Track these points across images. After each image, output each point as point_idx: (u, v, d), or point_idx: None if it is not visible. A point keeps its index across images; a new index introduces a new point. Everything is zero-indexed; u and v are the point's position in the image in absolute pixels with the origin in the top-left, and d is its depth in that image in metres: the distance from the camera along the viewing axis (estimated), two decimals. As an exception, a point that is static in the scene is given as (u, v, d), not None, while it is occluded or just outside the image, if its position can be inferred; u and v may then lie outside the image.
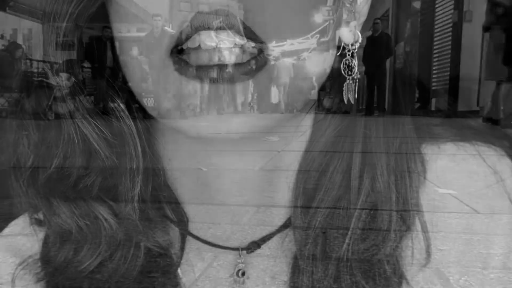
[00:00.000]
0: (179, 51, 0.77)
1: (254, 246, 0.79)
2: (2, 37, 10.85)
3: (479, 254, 0.77)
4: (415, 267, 0.71)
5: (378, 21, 8.25)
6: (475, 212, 1.05)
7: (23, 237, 0.85)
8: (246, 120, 0.75)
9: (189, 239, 0.84)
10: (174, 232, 0.85)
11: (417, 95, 8.67)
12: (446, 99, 6.60)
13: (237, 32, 0.79)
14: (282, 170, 1.68)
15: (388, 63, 8.39)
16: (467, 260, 0.74)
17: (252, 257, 0.75)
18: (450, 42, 6.63)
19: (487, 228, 0.93)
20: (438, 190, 1.28)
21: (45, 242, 0.78)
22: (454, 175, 1.55)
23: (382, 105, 8.45)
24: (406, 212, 0.99)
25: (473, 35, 5.24)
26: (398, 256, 0.74)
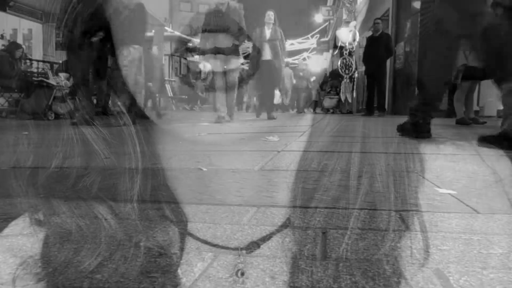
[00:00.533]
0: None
1: (254, 246, 0.80)
2: (2, 37, 10.85)
3: (479, 254, 0.77)
4: (414, 267, 0.71)
5: (379, 21, 8.21)
6: (475, 212, 1.06)
7: (23, 237, 0.85)
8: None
9: (189, 239, 0.84)
10: (174, 232, 0.85)
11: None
12: (446, 99, 6.60)
13: (234, 33, 0.79)
14: (282, 170, 1.68)
15: (388, 63, 8.36)
16: (467, 260, 0.74)
17: (252, 257, 0.75)
18: (450, 42, 6.63)
19: (487, 228, 0.94)
20: (438, 190, 1.28)
21: (45, 242, 0.78)
22: (454, 175, 1.56)
23: (382, 105, 8.36)
24: (405, 212, 0.99)
25: (473, 35, 5.28)
26: (397, 256, 0.74)
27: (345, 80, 7.92)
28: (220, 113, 5.66)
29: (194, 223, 0.96)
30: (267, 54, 7.06)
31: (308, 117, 7.73)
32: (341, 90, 8.10)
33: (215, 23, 5.46)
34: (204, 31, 5.71)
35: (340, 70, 8.11)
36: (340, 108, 9.42)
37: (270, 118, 6.73)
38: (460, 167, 1.71)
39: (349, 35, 8.49)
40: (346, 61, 7.82)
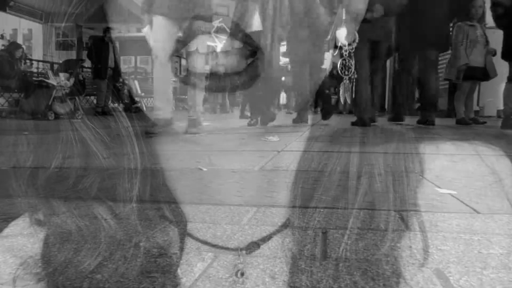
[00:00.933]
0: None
1: (254, 246, 0.79)
2: (2, 37, 10.85)
3: (479, 254, 0.77)
4: (414, 267, 0.71)
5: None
6: (475, 212, 1.06)
7: (23, 238, 0.85)
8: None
9: (189, 239, 0.84)
10: (174, 232, 0.85)
11: (417, 95, 8.64)
12: (446, 99, 6.60)
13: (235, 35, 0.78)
14: (282, 170, 1.68)
15: (388, 63, 8.35)
16: (467, 260, 0.74)
17: (252, 257, 0.75)
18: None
19: (487, 228, 0.94)
20: (438, 190, 1.28)
21: (45, 243, 0.78)
22: (454, 175, 1.56)
23: (382, 106, 8.33)
24: (405, 212, 0.99)
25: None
26: (397, 256, 0.74)
27: (344, 81, 7.89)
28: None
29: (194, 223, 0.96)
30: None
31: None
32: (341, 91, 8.06)
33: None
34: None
35: (339, 71, 8.08)
36: (339, 108, 9.43)
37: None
38: (460, 167, 1.71)
39: (348, 35, 8.48)
40: (346, 62, 7.76)
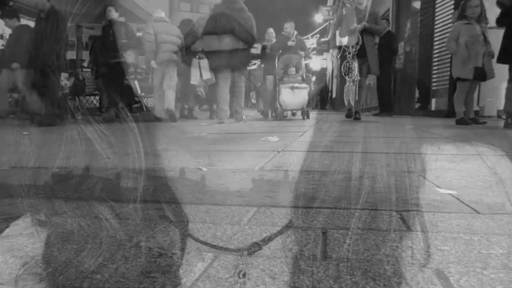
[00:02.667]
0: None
1: (255, 247, 0.80)
2: (2, 37, 10.83)
3: (479, 254, 0.77)
4: (415, 267, 0.71)
5: (384, 20, 8.14)
6: (475, 212, 1.06)
7: (23, 238, 0.85)
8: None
9: (190, 239, 0.84)
10: (174, 232, 0.85)
11: (417, 95, 8.60)
12: (446, 99, 6.59)
13: (241, 36, 0.79)
14: (282, 170, 1.68)
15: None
16: (467, 260, 0.74)
17: (252, 257, 0.75)
18: (450, 42, 6.62)
19: (487, 228, 0.94)
20: (438, 190, 1.28)
21: (47, 243, 0.78)
22: (454, 175, 1.55)
23: (388, 105, 8.20)
24: (406, 212, 0.99)
25: (473, 35, 5.27)
26: (398, 256, 0.74)
27: (348, 83, 7.83)
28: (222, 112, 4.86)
29: (195, 223, 0.96)
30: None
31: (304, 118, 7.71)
32: (344, 94, 7.96)
33: (221, 25, 4.59)
34: (209, 33, 4.86)
35: (343, 74, 8.04)
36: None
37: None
38: (460, 167, 1.71)
39: (351, 37, 8.40)
40: (349, 64, 7.64)
